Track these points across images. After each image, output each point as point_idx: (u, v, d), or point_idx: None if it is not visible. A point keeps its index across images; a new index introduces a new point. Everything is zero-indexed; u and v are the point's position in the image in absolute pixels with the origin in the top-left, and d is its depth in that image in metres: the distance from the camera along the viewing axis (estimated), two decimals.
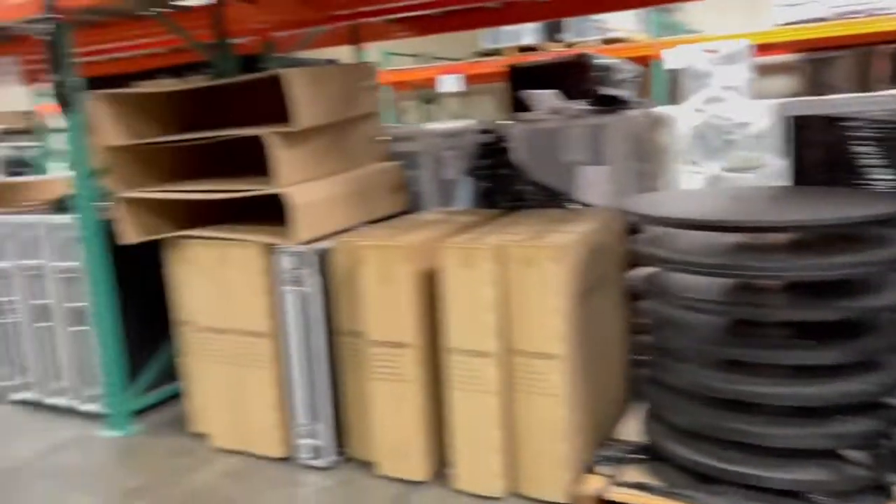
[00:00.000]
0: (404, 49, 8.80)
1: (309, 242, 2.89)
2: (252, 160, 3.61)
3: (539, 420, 2.54)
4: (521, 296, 2.48)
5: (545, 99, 3.41)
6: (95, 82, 3.66)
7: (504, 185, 3.52)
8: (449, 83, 8.53)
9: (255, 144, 3.18)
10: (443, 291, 2.59)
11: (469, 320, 2.54)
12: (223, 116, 3.60)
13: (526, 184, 3.35)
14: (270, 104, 3.58)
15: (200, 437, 3.35)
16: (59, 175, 7.09)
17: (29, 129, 9.84)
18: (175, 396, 3.81)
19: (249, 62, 4.27)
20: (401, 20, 5.02)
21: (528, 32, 8.30)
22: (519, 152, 3.40)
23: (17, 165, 6.94)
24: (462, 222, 3.05)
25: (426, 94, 9.41)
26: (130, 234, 3.25)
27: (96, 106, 3.14)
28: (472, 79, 8.40)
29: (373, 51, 5.49)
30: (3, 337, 3.86)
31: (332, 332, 2.92)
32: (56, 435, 3.51)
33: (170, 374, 3.81)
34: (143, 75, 4.68)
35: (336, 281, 2.90)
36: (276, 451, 3.07)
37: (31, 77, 5.22)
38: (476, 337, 2.54)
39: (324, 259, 2.88)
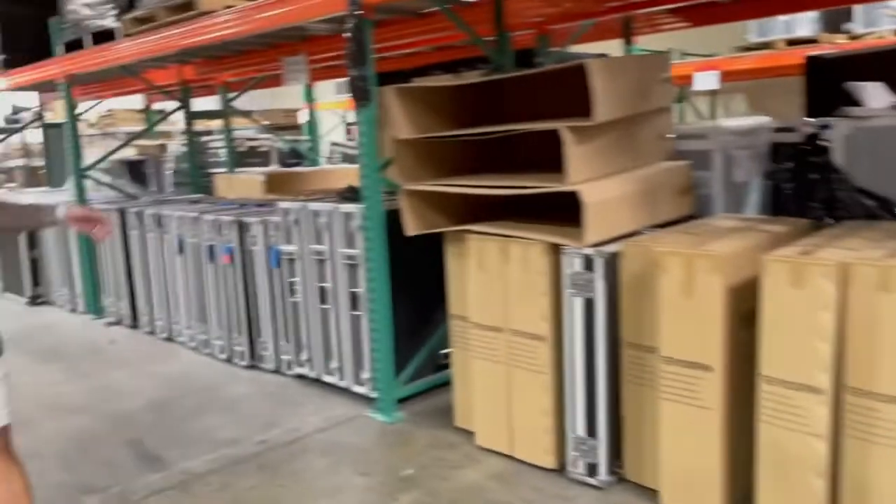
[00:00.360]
0: (655, 45, 8.34)
1: (597, 245, 2.71)
2: (528, 156, 3.53)
3: (879, 477, 2.11)
4: (868, 326, 2.07)
5: (877, 93, 2.89)
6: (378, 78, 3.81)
7: (814, 190, 3.06)
8: (705, 80, 7.91)
9: (535, 139, 3.07)
10: (762, 311, 2.26)
11: (795, 348, 2.19)
12: (498, 112, 3.55)
13: (849, 190, 2.87)
14: (550, 99, 3.47)
15: (463, 432, 3.33)
16: (329, 166, 7.69)
17: (294, 125, 10.91)
18: (436, 387, 3.86)
19: (523, 56, 4.19)
20: (675, 10, 4.66)
21: (802, 24, 7.44)
22: (842, 154, 2.92)
23: (291, 157, 7.65)
24: (771, 232, 2.67)
25: (679, 92, 8.83)
26: (412, 225, 3.30)
27: (389, 100, 3.22)
28: (726, 76, 7.73)
29: (617, 48, 5.18)
30: (290, 314, 4.17)
31: (616, 343, 2.71)
32: (331, 412, 3.70)
33: (432, 365, 3.87)
34: (417, 72, 4.83)
35: (623, 288, 2.69)
36: (545, 459, 2.94)
37: (315, 76, 5.66)
38: (802, 368, 2.18)
39: (612, 263, 2.67)
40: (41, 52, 6.22)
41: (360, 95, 3.35)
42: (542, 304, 2.84)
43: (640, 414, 2.68)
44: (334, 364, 3.94)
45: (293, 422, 3.63)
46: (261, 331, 4.43)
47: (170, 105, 11.14)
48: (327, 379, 4.01)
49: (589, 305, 2.70)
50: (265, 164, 7.24)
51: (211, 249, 4.60)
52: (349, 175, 6.69)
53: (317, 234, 3.89)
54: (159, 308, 5.27)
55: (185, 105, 6.51)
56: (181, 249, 4.90)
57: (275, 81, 7.64)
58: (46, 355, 5.05)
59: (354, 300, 3.73)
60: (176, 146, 7.62)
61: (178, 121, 8.28)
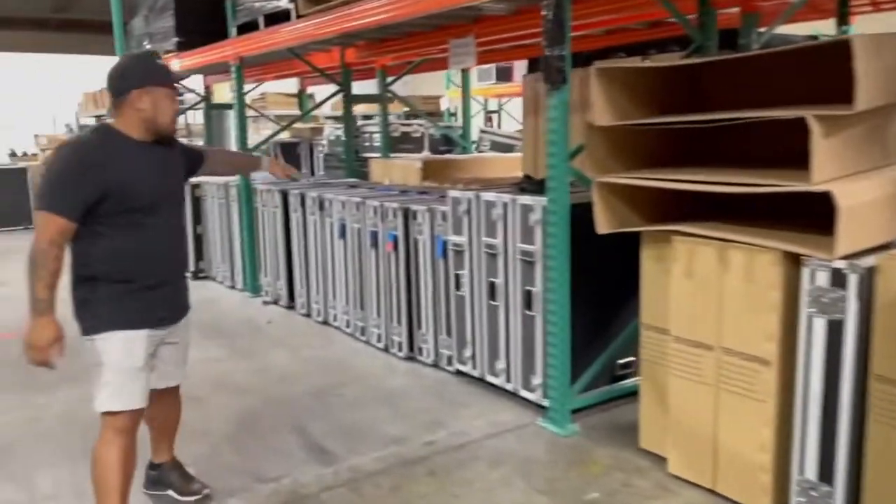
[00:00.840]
0: (875, 27, 7.45)
1: (847, 257, 2.27)
2: (731, 149, 3.11)
3: None
4: None
5: None
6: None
7: None
8: None
9: (740, 131, 2.67)
10: None
11: None
12: (699, 98, 3.15)
13: None
14: (754, 84, 3.03)
15: (651, 456, 2.99)
16: (486, 154, 7.48)
17: (434, 111, 10.81)
18: (611, 400, 3.54)
19: (726, 37, 3.73)
20: None
21: None
22: None
23: (443, 144, 7.52)
24: None
25: None
26: (604, 223, 2.98)
27: (590, 81, 2.90)
28: None
29: (827, 30, 4.56)
30: (454, 308, 3.97)
31: (864, 374, 2.27)
32: (497, 417, 3.47)
33: (609, 374, 3.55)
34: (596, 55, 4.47)
35: (878, 310, 2.24)
36: (759, 501, 2.54)
37: (480, 58, 5.44)
38: None
39: (867, 280, 2.23)
40: (212, 35, 6.41)
41: (556, 76, 3.06)
42: (770, 322, 2.44)
43: (890, 462, 2.24)
44: (500, 365, 3.70)
45: (458, 424, 3.43)
46: (421, 322, 4.27)
47: (322, 89, 11.44)
48: (492, 380, 3.78)
49: (835, 328, 2.27)
50: (417, 149, 7.15)
51: (374, 236, 4.50)
52: (505, 163, 6.46)
53: (489, 225, 3.66)
54: (316, 291, 5.27)
55: (345, 88, 6.50)
56: (343, 234, 4.84)
57: (431, 66, 7.54)
58: (209, 331, 5.17)
59: (528, 299, 3.46)
60: (330, 129, 7.69)
61: (328, 104, 8.35)
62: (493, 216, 3.62)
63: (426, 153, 7.18)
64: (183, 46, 6.94)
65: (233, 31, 5.95)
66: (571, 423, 3.32)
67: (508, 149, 8.09)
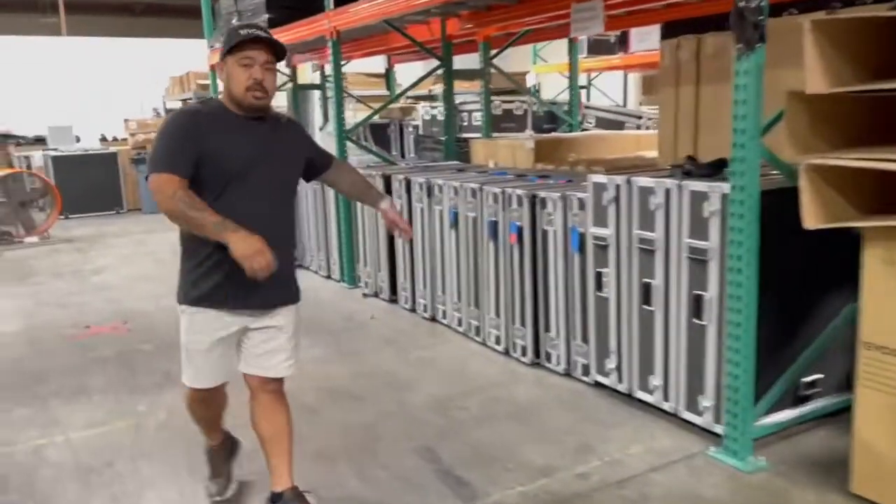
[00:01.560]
0: None
1: None
2: None
3: None
4: None
5: None
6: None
7: None
8: None
9: None
10: None
11: None
12: None
13: None
14: None
15: (864, 503, 2.41)
16: (601, 132, 6.85)
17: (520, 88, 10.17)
18: (795, 426, 2.96)
19: None
20: None
21: None
22: None
23: (547, 122, 6.95)
24: None
25: None
26: (814, 216, 2.40)
27: (806, 38, 2.30)
28: None
29: None
30: (594, 311, 3.45)
31: None
32: (656, 444, 2.95)
33: (792, 396, 2.96)
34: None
35: None
36: None
37: (609, 25, 4.84)
38: None
39: None
40: (303, 10, 6.03)
41: (752, 34, 2.46)
42: None
43: None
44: (655, 381, 3.16)
45: (611, 449, 2.92)
46: (550, 325, 3.77)
47: (406, 68, 10.98)
48: (643, 397, 3.25)
49: None
50: (520, 128, 6.62)
51: (493, 226, 4.01)
52: (624, 142, 5.85)
53: (645, 216, 3.11)
54: (423, 285, 4.84)
55: (446, 63, 6.00)
56: (455, 223, 4.37)
57: (535, 37, 6.97)
58: (310, 325, 4.78)
59: (698, 305, 2.90)
60: (424, 109, 7.22)
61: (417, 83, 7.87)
62: (650, 205, 3.06)
63: (529, 132, 6.63)
64: (274, 23, 6.60)
65: (329, 2, 5.53)
66: (754, 454, 2.76)
67: (617, 125, 7.45)
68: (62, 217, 9.78)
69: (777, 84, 2.58)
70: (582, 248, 3.50)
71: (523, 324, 3.91)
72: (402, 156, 8.19)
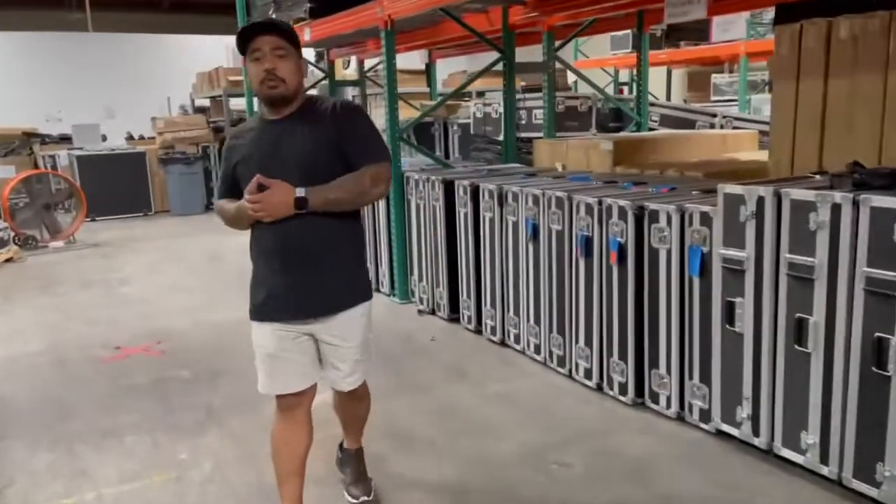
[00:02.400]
0: None
1: None
2: None
3: None
4: None
5: None
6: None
7: None
8: None
9: None
10: None
11: None
12: None
13: None
14: None
15: None
16: (682, 131, 6.22)
17: (564, 85, 9.58)
18: None
19: None
20: None
21: None
22: None
23: (613, 120, 6.36)
24: None
25: None
26: None
27: None
28: None
29: None
30: (722, 347, 2.87)
31: None
32: None
33: None
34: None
35: None
36: None
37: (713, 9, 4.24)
38: None
39: None
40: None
41: None
42: None
43: None
44: (810, 439, 2.58)
45: None
46: (658, 360, 3.20)
47: (447, 63, 10.43)
48: (790, 456, 2.67)
49: None
50: (583, 127, 6.05)
51: (587, 242, 3.44)
52: (711, 142, 5.25)
53: (800, 236, 2.52)
54: (490, 304, 4.29)
55: (507, 55, 5.43)
56: (535, 236, 3.81)
57: (603, 26, 6.38)
58: None
59: (879, 350, 2.32)
60: (476, 106, 6.66)
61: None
62: (810, 224, 2.48)
63: (593, 131, 6.05)
64: (316, 13, 6.09)
65: None
66: None
67: (685, 124, 6.83)
68: (88, 220, 9.36)
69: None
70: (704, 272, 2.93)
71: (623, 357, 3.34)
72: (447, 156, 7.65)
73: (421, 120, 6.09)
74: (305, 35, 6.23)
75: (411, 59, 10.02)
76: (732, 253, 2.77)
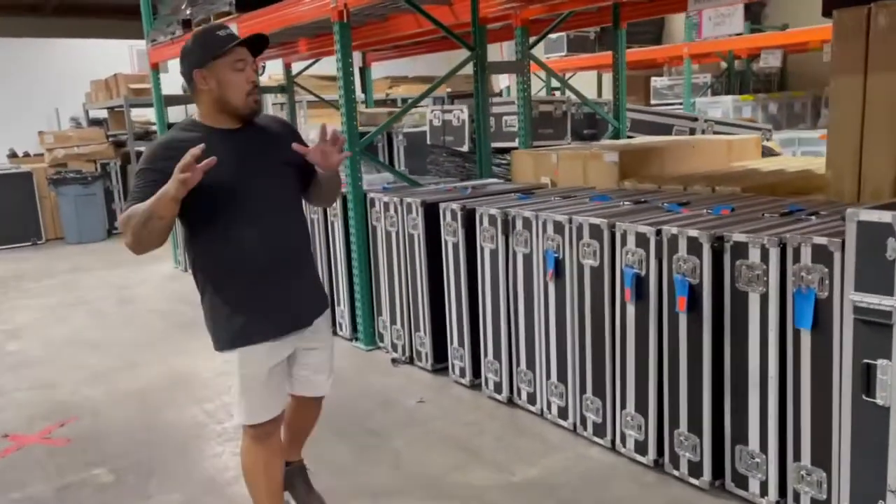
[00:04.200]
0: None
1: None
2: None
3: None
4: None
5: None
6: None
7: None
8: None
9: None
10: None
11: None
12: None
13: None
14: None
15: None
16: (686, 137, 5.56)
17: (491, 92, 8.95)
18: None
19: None
20: None
21: None
22: None
23: (587, 126, 5.70)
24: None
25: None
26: None
27: None
28: None
29: None
30: (856, 424, 2.18)
31: None
32: None
33: None
34: None
35: None
36: None
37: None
38: None
39: None
40: None
41: None
42: None
43: None
44: None
45: None
46: (747, 435, 2.49)
47: (382, 66, 9.54)
48: None
49: None
50: (559, 135, 5.37)
51: (638, 282, 2.70)
52: (717, 149, 4.65)
53: None
54: (492, 353, 3.50)
55: (478, 52, 4.66)
56: (558, 273, 3.05)
57: (578, 22, 5.73)
58: (335, 416, 3.41)
59: None
60: (434, 113, 5.85)
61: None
62: None
63: (568, 139, 5.39)
64: (244, 6, 5.13)
65: None
66: None
67: (660, 129, 6.27)
68: None
69: None
70: (820, 324, 2.24)
71: (695, 429, 2.62)
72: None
73: (383, 131, 5.22)
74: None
75: (329, 66, 9.08)
76: (873, 300, 2.08)
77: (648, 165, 4.09)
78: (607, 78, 12.40)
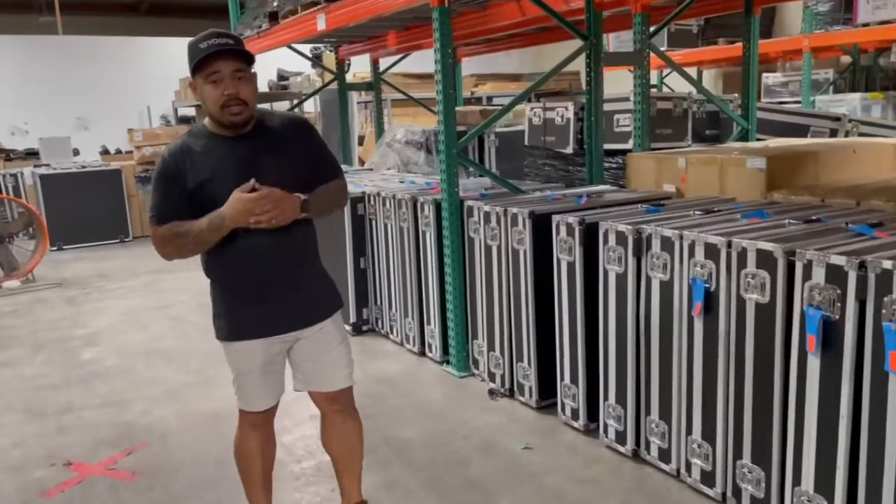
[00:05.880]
0: None
1: None
2: None
3: None
4: None
5: None
6: None
7: None
8: None
9: None
10: None
11: None
12: None
13: None
14: None
15: None
16: (840, 139, 4.84)
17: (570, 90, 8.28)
18: None
19: None
20: None
21: None
22: None
23: (709, 126, 5.05)
24: None
25: None
26: None
27: None
28: None
29: None
30: None
31: None
32: None
33: None
34: None
35: None
36: None
37: None
38: None
39: None
40: None
41: None
42: None
43: None
44: None
45: None
46: None
47: (471, 62, 9.05)
48: None
49: None
50: (679, 136, 4.75)
51: (825, 326, 2.09)
52: (881, 153, 3.92)
53: None
54: (618, 397, 2.93)
55: (593, 42, 4.09)
56: (708, 307, 2.47)
57: (703, 8, 5.07)
58: (422, 454, 2.92)
59: None
60: (533, 111, 5.32)
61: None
62: None
63: (689, 140, 4.75)
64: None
65: None
66: None
67: (794, 130, 5.52)
68: (54, 248, 7.94)
69: None
70: None
71: None
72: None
73: (483, 130, 4.72)
74: (319, 23, 4.87)
75: (417, 62, 8.65)
76: None
77: (802, 173, 3.42)
78: (708, 75, 11.57)
